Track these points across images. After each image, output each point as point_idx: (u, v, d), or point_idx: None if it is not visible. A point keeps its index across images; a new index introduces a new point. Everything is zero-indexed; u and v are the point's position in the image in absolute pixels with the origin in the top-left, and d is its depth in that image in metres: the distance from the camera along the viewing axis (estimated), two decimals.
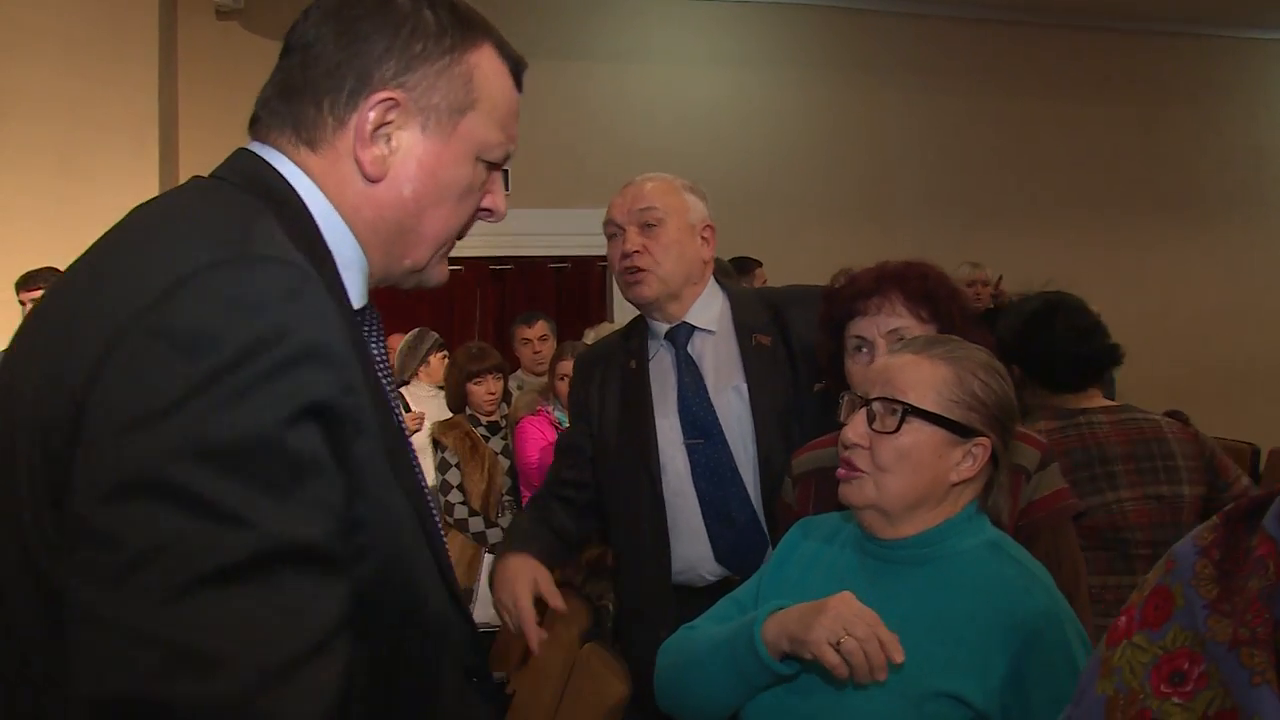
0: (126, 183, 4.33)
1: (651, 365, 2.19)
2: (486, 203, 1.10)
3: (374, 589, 0.87)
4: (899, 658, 1.25)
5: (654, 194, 2.16)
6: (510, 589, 2.01)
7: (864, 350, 1.75)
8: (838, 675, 1.27)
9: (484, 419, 4.37)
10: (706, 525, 2.09)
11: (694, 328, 2.18)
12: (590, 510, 2.26)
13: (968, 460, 1.40)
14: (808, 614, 1.30)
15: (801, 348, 2.08)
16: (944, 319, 1.72)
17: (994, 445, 1.41)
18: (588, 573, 3.22)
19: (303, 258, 0.88)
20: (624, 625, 2.37)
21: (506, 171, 1.12)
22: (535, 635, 1.97)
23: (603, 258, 6.25)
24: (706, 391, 2.14)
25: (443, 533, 1.07)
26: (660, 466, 2.12)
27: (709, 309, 2.19)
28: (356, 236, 1.02)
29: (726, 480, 2.09)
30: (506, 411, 4.43)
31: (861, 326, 1.75)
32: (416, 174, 1.02)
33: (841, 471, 1.43)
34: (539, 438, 4.02)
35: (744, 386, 2.12)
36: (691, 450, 2.11)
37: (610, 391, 2.22)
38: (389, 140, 1.00)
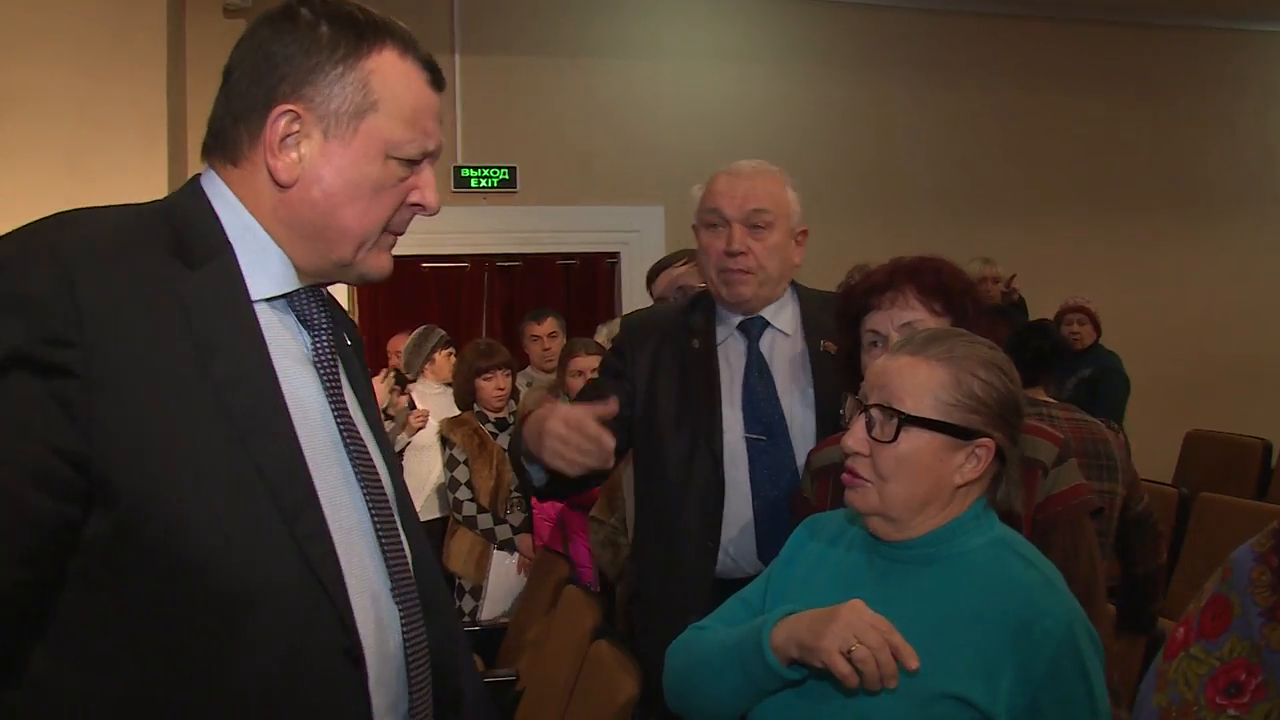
0: (135, 181, 4.32)
1: (719, 350, 2.17)
2: (414, 198, 1.18)
3: (128, 539, 0.98)
4: (913, 664, 1.24)
5: (765, 194, 2.15)
6: (562, 416, 1.72)
7: (878, 345, 1.75)
8: (848, 684, 1.25)
9: (492, 415, 4.37)
10: (756, 522, 2.08)
11: (768, 324, 2.18)
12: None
13: (971, 462, 1.39)
14: (818, 621, 1.29)
15: None
16: (957, 312, 1.73)
17: (999, 443, 1.40)
18: None
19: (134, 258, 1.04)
20: (642, 612, 2.31)
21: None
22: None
23: (612, 254, 6.30)
24: (776, 390, 2.13)
25: (397, 530, 1.20)
26: (724, 451, 2.09)
27: (785, 309, 2.20)
28: (273, 235, 1.14)
29: (786, 482, 2.07)
30: (515, 408, 4.43)
31: (876, 321, 1.76)
32: (324, 176, 1.12)
33: (846, 478, 1.42)
34: None
35: (811, 392, 2.12)
36: (751, 445, 2.09)
37: (667, 363, 2.17)
38: (298, 148, 1.11)
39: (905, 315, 1.73)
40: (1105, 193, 7.02)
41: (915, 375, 1.38)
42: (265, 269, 1.14)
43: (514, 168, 5.97)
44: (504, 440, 4.28)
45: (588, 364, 4.07)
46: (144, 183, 4.36)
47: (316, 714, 1.07)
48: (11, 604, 0.97)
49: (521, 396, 4.50)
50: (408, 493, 1.31)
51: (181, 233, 1.10)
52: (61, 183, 4.25)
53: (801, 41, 6.46)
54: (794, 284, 2.25)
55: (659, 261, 3.23)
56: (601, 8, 6.15)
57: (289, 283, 1.16)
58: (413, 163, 1.16)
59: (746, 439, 2.10)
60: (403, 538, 1.21)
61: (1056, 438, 1.73)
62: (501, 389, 4.34)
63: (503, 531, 4.23)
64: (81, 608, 0.99)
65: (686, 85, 6.27)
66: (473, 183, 5.91)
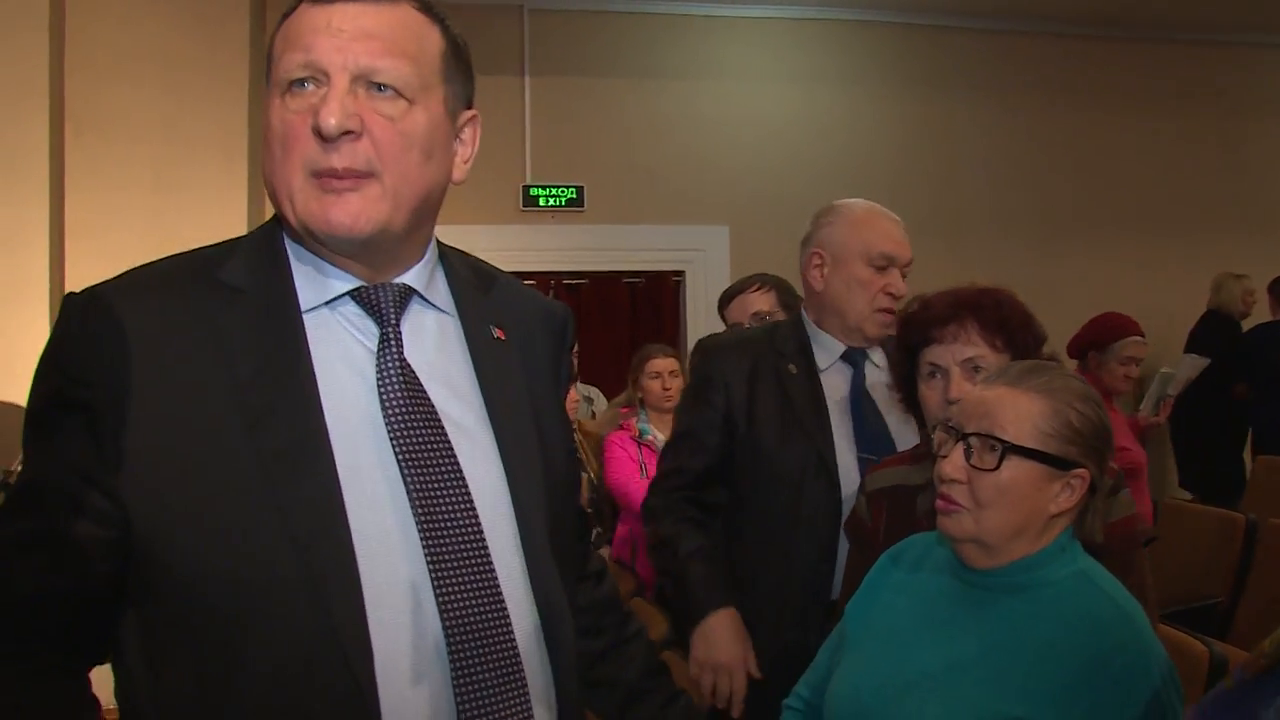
0: (216, 197, 4.47)
1: (822, 377, 2.21)
2: (313, 123, 1.06)
3: (144, 565, 1.03)
4: None
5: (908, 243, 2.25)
6: (733, 660, 2.05)
7: (937, 376, 1.77)
8: None
9: None
10: (851, 542, 2.09)
11: (867, 356, 2.23)
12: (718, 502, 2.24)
13: (1066, 491, 1.41)
14: None
15: None
16: (1018, 348, 1.75)
17: (1092, 474, 1.42)
18: None
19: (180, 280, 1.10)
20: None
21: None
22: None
23: (677, 273, 6.37)
24: (881, 415, 2.18)
25: (473, 551, 1.08)
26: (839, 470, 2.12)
27: (878, 345, 2.26)
28: (287, 231, 1.15)
29: None
30: (577, 420, 4.48)
31: (937, 354, 1.78)
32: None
33: (940, 504, 1.44)
34: (623, 456, 4.03)
35: (914, 423, 2.15)
36: (864, 465, 2.11)
37: (764, 387, 2.18)
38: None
39: (967, 351, 1.75)
40: (1174, 215, 6.91)
41: (1016, 405, 1.41)
42: (317, 272, 1.13)
43: (581, 187, 6.06)
44: None
45: (665, 365, 4.12)
46: (225, 199, 4.51)
47: None
48: (54, 611, 1.06)
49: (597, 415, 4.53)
50: (547, 504, 1.20)
51: (241, 258, 1.13)
52: (147, 198, 4.41)
53: (866, 62, 6.48)
54: None
55: (732, 287, 3.25)
56: (668, 29, 6.23)
57: (338, 279, 1.13)
58: (299, 87, 1.07)
59: (860, 458, 2.12)
60: (490, 559, 1.10)
61: (1111, 469, 1.74)
62: (573, 400, 4.40)
63: None
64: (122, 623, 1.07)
65: (751, 106, 6.32)
66: (541, 201, 6.00)
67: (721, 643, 2.05)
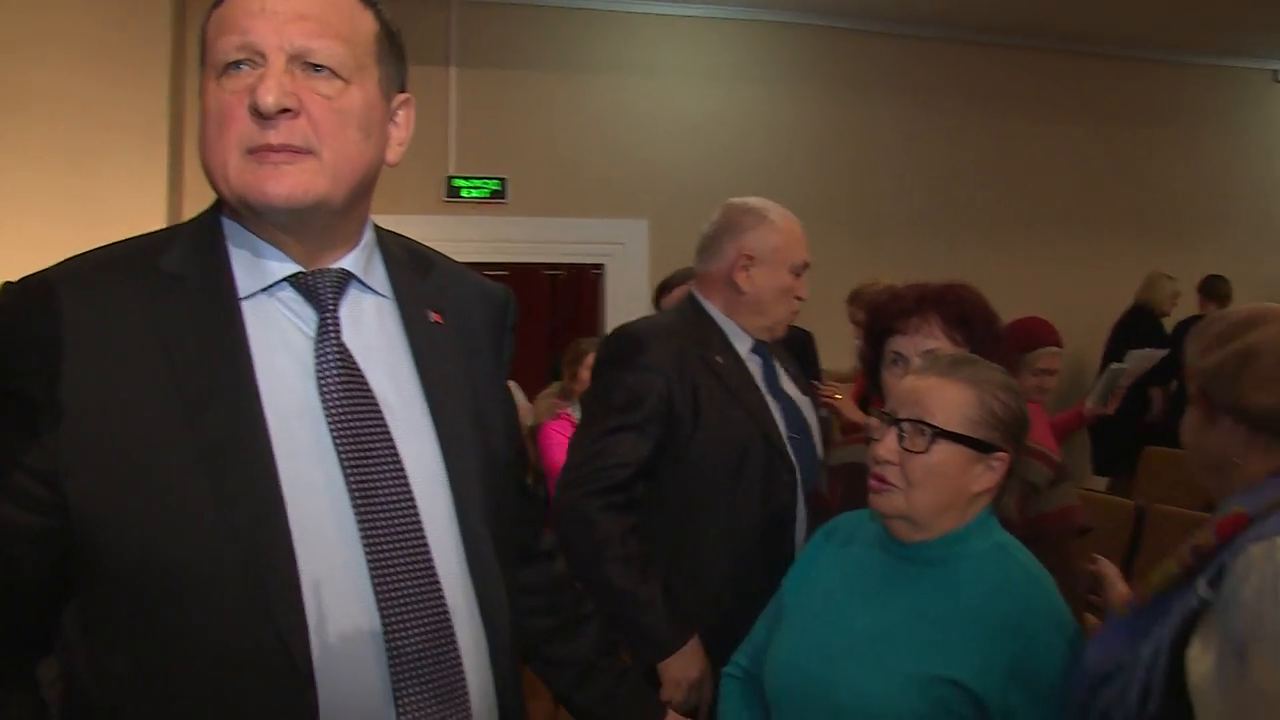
0: (136, 182, 4.40)
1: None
2: (250, 102, 1.06)
3: (82, 544, 1.04)
4: None
5: None
6: (705, 674, 2.08)
7: (899, 364, 1.90)
8: None
9: None
10: (808, 513, 2.19)
11: (766, 345, 2.34)
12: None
13: (988, 473, 1.55)
14: None
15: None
16: (977, 343, 1.86)
17: (1011, 457, 1.56)
18: None
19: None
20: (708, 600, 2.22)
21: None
22: None
23: (597, 266, 6.37)
24: (792, 398, 2.31)
25: (408, 536, 1.09)
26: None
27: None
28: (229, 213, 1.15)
29: (814, 478, 2.22)
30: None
31: (900, 344, 1.91)
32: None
33: (874, 483, 1.56)
34: (564, 442, 4.07)
35: (811, 403, 2.34)
36: (793, 443, 2.23)
37: (700, 374, 2.19)
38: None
39: (928, 343, 1.87)
40: (1074, 214, 7.23)
41: (944, 394, 1.54)
42: (255, 256, 1.14)
43: (505, 179, 6.06)
44: None
45: None
46: (144, 183, 4.45)
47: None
48: None
49: (535, 406, 4.55)
50: (486, 487, 1.20)
51: (181, 245, 1.13)
52: (63, 181, 4.32)
53: (788, 63, 6.61)
54: None
55: (671, 277, 3.35)
56: (595, 24, 6.27)
57: (277, 264, 1.13)
58: (235, 69, 1.08)
59: (790, 438, 2.23)
60: (427, 545, 1.11)
61: (1053, 462, 1.89)
62: None
63: None
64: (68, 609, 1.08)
65: (675, 102, 6.40)
66: (464, 193, 5.99)
67: (695, 662, 2.08)
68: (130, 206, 4.28)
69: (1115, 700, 1.27)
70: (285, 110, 1.06)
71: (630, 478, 2.10)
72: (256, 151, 1.06)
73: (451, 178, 5.98)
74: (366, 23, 1.14)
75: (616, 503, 2.09)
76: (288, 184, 1.07)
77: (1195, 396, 1.38)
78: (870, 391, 2.06)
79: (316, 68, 1.08)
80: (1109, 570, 1.69)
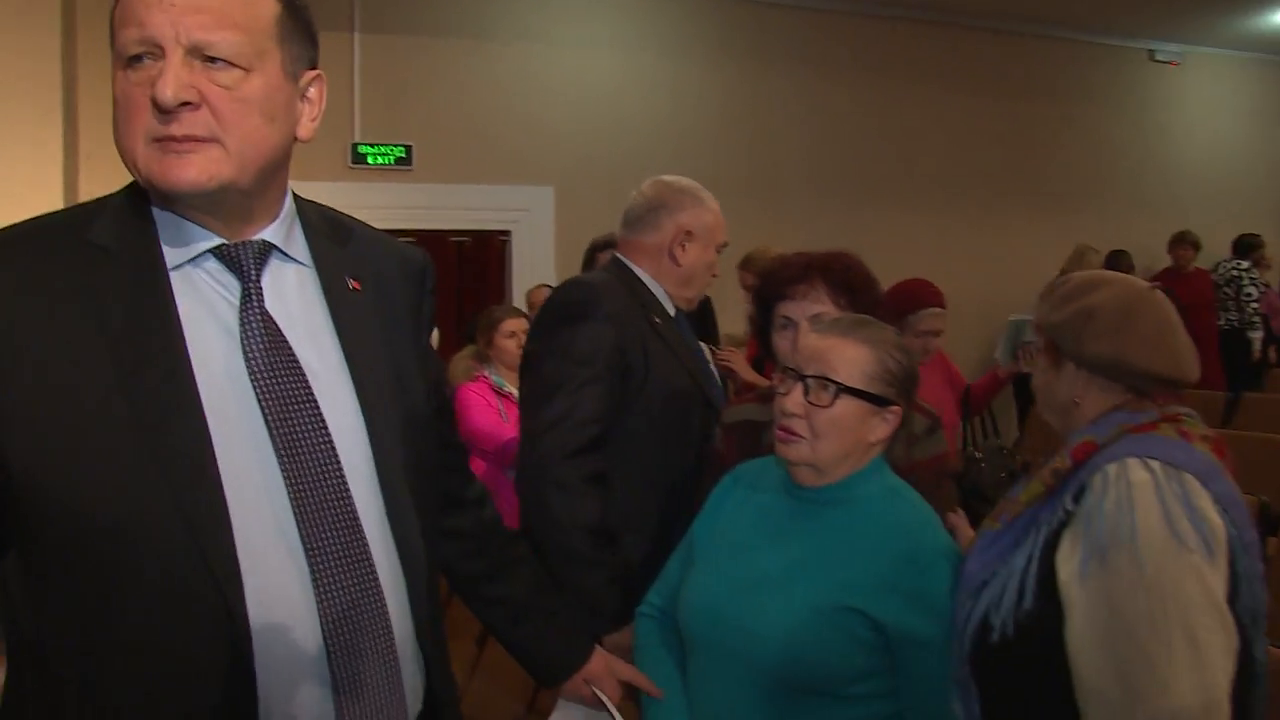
0: (30, 151, 4.32)
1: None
2: (151, 94, 1.09)
3: (20, 501, 1.07)
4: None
5: None
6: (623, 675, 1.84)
7: (788, 328, 2.01)
8: None
9: None
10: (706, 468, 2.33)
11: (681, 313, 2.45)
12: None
13: (883, 425, 1.69)
14: None
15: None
16: (860, 307, 1.97)
17: (903, 410, 1.71)
18: None
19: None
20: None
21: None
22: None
23: (504, 233, 6.40)
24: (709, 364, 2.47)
25: (333, 493, 1.15)
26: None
27: None
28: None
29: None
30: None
31: (789, 309, 2.02)
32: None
33: (780, 434, 1.68)
34: (483, 404, 4.14)
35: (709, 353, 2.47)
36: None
37: (647, 333, 2.26)
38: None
39: (815, 308, 1.99)
40: (965, 182, 7.52)
41: (845, 352, 1.67)
42: (180, 230, 1.17)
43: (410, 146, 6.04)
44: None
45: (519, 325, 4.22)
46: (38, 150, 4.35)
47: (193, 663, 1.09)
48: None
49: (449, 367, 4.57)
50: (407, 443, 1.27)
51: (109, 218, 1.16)
52: None
53: (690, 33, 6.70)
54: None
55: (603, 239, 3.44)
56: None
57: (201, 237, 1.17)
58: (138, 62, 1.10)
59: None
60: (350, 496, 1.18)
61: (931, 414, 2.05)
62: None
63: None
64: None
65: (580, 71, 6.44)
66: (370, 159, 5.97)
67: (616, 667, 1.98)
68: (24, 172, 4.19)
69: (994, 602, 1.46)
70: (186, 104, 1.08)
71: (599, 435, 2.11)
72: (161, 141, 1.09)
73: (356, 144, 5.96)
74: (265, 6, 1.15)
75: (590, 472, 2.08)
76: (193, 171, 1.10)
77: (1045, 347, 1.60)
78: (763, 353, 2.19)
79: (214, 60, 1.09)
80: (959, 522, 1.91)
